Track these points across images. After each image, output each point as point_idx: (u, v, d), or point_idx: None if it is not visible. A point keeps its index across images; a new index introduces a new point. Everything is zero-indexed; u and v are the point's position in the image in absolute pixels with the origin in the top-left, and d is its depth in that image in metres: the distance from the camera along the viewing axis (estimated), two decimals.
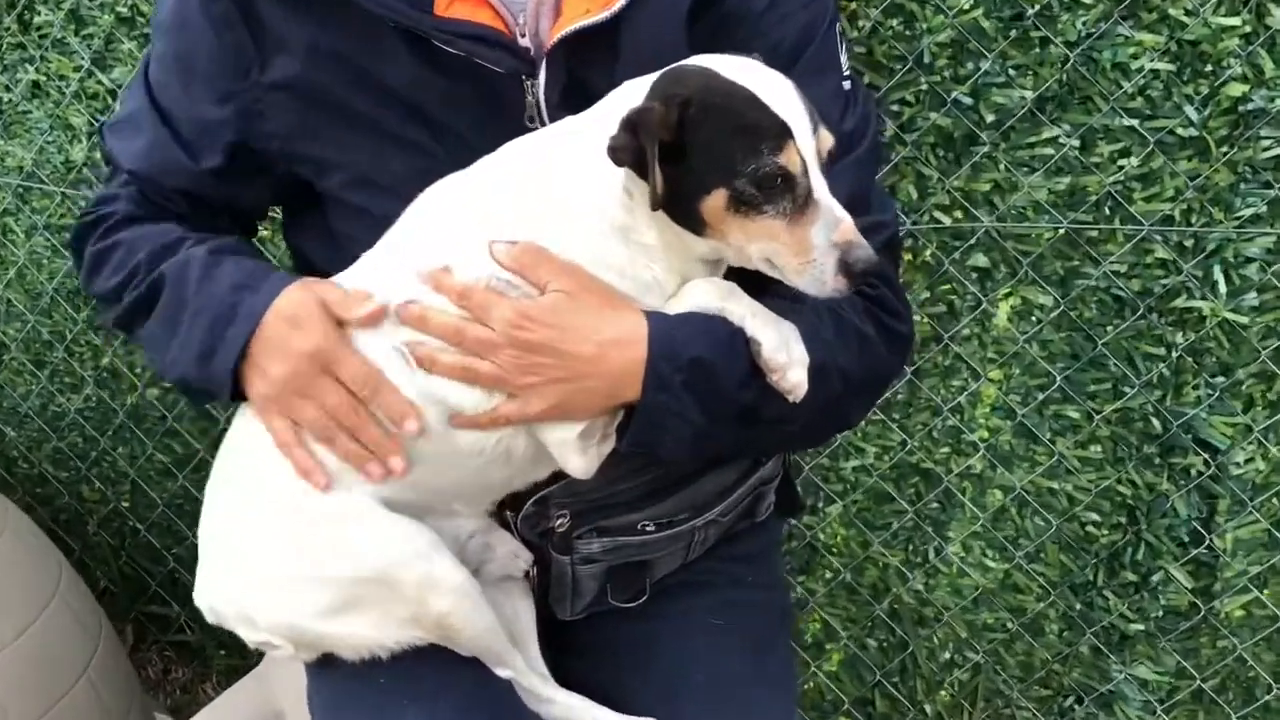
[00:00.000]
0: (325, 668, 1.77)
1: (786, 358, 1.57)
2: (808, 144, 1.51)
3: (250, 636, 1.73)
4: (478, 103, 1.64)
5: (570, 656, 1.97)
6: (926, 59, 2.52)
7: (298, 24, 1.65)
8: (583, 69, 1.64)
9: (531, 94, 1.66)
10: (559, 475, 1.75)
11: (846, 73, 1.80)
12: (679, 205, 1.54)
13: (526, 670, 1.81)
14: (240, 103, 1.71)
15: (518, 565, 1.85)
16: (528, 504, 1.80)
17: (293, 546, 1.67)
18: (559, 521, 1.81)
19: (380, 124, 1.68)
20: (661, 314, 1.61)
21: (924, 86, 2.54)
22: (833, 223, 1.50)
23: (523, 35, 1.65)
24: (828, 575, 3.07)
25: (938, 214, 2.62)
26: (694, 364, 1.57)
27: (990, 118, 2.49)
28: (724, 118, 1.51)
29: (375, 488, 1.65)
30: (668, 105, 1.50)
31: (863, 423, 2.85)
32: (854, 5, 2.54)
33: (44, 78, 3.32)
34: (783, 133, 1.50)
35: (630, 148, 1.51)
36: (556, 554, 1.84)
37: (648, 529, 1.86)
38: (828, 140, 1.56)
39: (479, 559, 1.83)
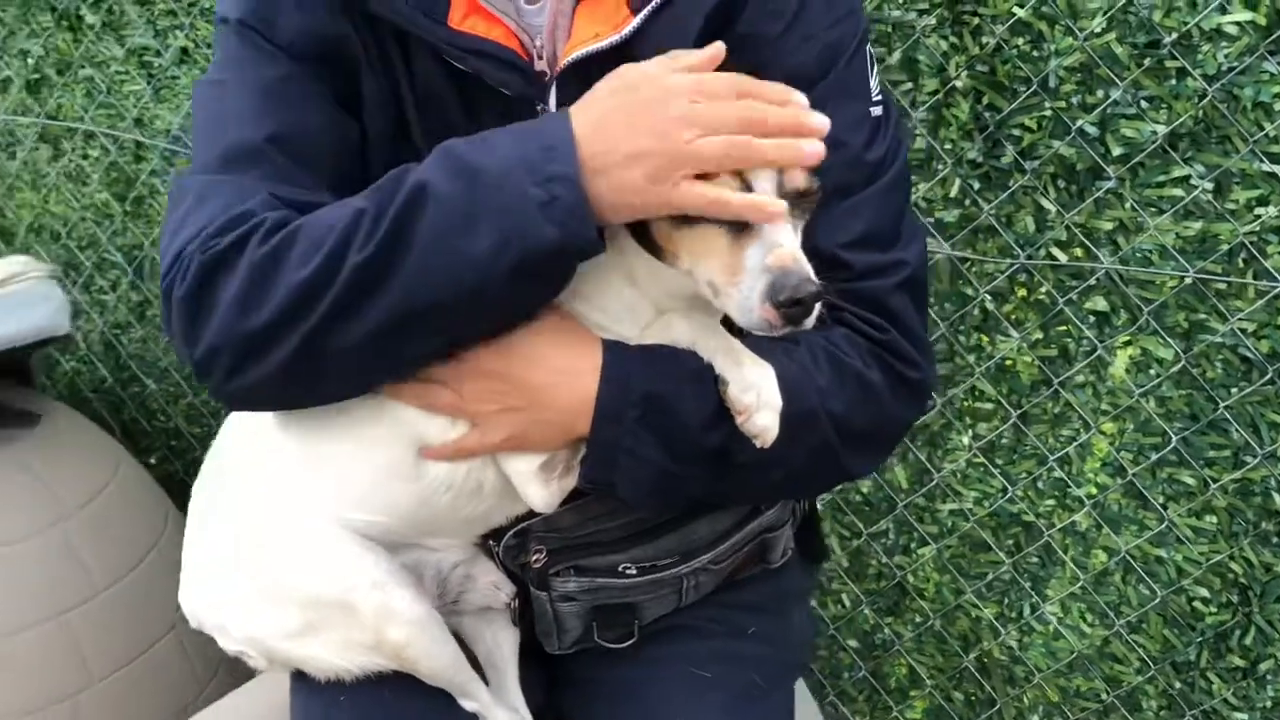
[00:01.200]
0: (302, 681, 1.77)
1: (755, 399, 1.50)
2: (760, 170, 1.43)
3: (226, 645, 1.74)
4: (496, 118, 1.62)
5: (565, 689, 1.96)
6: (1052, 83, 2.38)
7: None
8: None
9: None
10: (531, 516, 1.73)
11: (876, 98, 1.70)
12: (633, 223, 1.49)
13: (491, 704, 1.79)
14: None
15: (498, 597, 1.83)
16: (508, 535, 1.77)
17: (260, 564, 1.68)
18: (535, 557, 1.77)
19: (410, 128, 1.65)
20: (622, 344, 1.56)
21: (1048, 112, 2.40)
22: (769, 245, 1.40)
23: (540, 56, 1.62)
24: (917, 620, 2.96)
25: (1055, 250, 2.48)
26: (649, 399, 1.52)
27: (1117, 151, 2.34)
28: None
29: (348, 517, 1.65)
30: None
31: (963, 463, 2.74)
32: (977, 20, 2.42)
33: (192, 44, 3.48)
34: None
35: None
36: (535, 589, 1.81)
37: (629, 572, 1.80)
38: (796, 176, 1.45)
39: (460, 589, 1.82)
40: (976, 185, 2.53)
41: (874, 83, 1.71)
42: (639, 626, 1.86)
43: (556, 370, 1.53)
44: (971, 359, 2.66)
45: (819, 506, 2.19)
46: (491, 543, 1.80)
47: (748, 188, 1.40)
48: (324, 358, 1.46)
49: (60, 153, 3.85)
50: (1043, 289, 2.52)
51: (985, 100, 2.46)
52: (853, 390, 1.62)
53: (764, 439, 1.51)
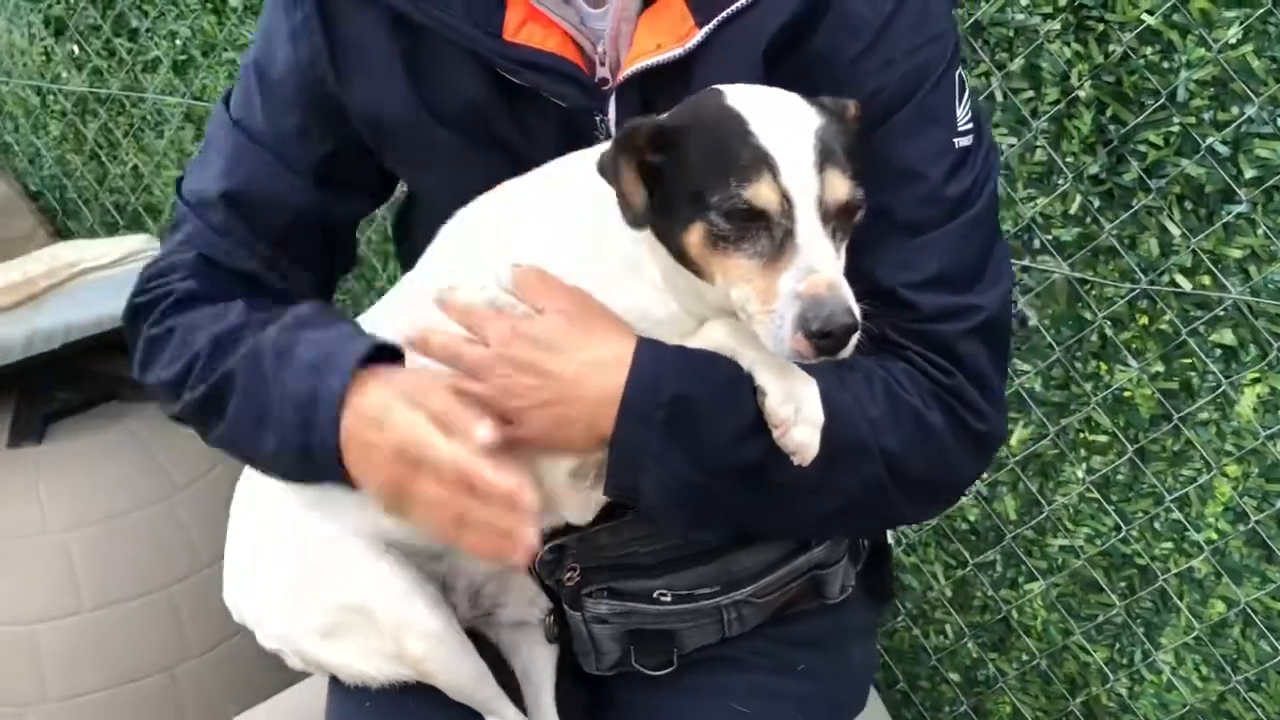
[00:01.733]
0: (336, 684, 1.79)
1: (794, 413, 1.42)
2: (799, 182, 1.36)
3: (263, 642, 1.77)
4: (552, 130, 1.58)
5: (604, 710, 1.91)
6: (1182, 97, 2.22)
7: (375, 40, 1.63)
8: (656, 104, 1.56)
9: (602, 128, 1.59)
10: (576, 525, 1.68)
11: (965, 126, 1.59)
12: (667, 238, 1.45)
13: None
14: (321, 107, 1.69)
15: (533, 612, 1.80)
16: (545, 549, 1.71)
17: (292, 567, 1.69)
18: (569, 575, 1.73)
19: (457, 149, 1.65)
20: (657, 342, 1.49)
21: (1176, 128, 2.24)
22: (804, 270, 1.34)
23: (602, 64, 1.59)
24: (1022, 658, 2.82)
25: (1179, 277, 2.32)
26: (678, 401, 1.45)
27: (1250, 173, 2.17)
28: (704, 144, 1.39)
29: (378, 526, 1.64)
30: (654, 124, 1.41)
31: (1075, 497, 2.60)
32: (1103, 27, 2.28)
33: None
34: (759, 164, 1.35)
35: (610, 160, 1.41)
36: (569, 608, 1.76)
37: (664, 598, 1.74)
38: (839, 187, 1.38)
39: (494, 601, 1.81)
40: (1097, 203, 2.38)
41: (962, 110, 1.60)
42: (678, 655, 1.82)
43: (587, 363, 1.47)
44: (1088, 387, 2.51)
45: (890, 541, 2.10)
46: None
47: (786, 199, 1.34)
48: (203, 427, 1.70)
49: (202, 133, 4.00)
50: (1165, 318, 2.36)
51: (1109, 112, 2.31)
52: (909, 429, 1.53)
53: (802, 456, 1.43)
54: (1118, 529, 2.56)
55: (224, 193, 1.72)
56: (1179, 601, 2.52)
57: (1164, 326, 2.38)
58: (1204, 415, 2.39)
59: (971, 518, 2.78)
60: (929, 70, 1.57)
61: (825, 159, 1.37)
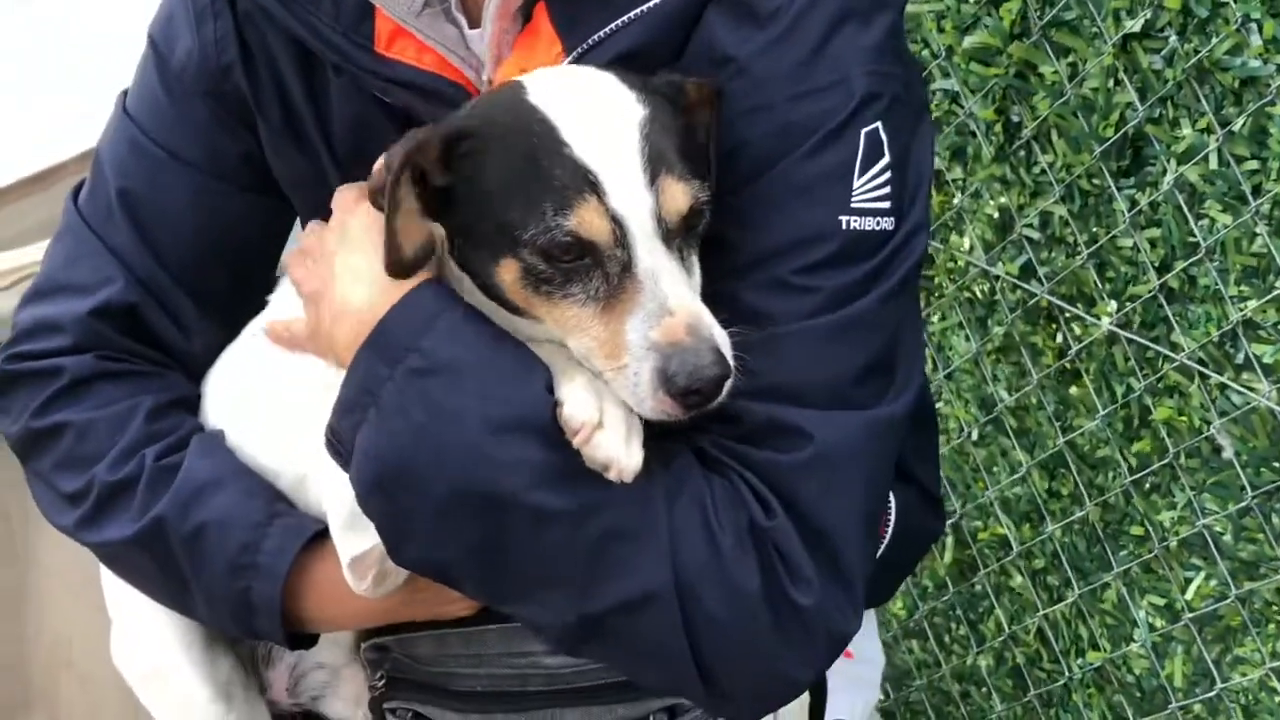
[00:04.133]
0: None
1: (596, 415, 1.18)
2: (630, 200, 1.15)
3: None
4: None
5: None
6: None
7: (264, 53, 1.50)
8: None
9: None
10: (397, 628, 1.53)
11: (867, 205, 1.25)
12: (475, 274, 1.26)
13: None
14: (219, 102, 1.55)
15: (360, 713, 1.67)
16: (366, 646, 1.59)
17: (120, 629, 1.68)
18: (378, 677, 1.57)
19: (327, 166, 1.52)
20: (451, 293, 1.28)
21: None
22: (655, 312, 1.14)
23: (489, 83, 1.39)
24: None
25: None
26: (447, 362, 1.22)
27: None
28: (504, 158, 1.19)
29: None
30: (433, 137, 1.21)
31: (1254, 682, 2.11)
32: None
33: None
34: (578, 184, 1.15)
35: (381, 190, 1.23)
36: (376, 718, 1.60)
37: None
38: (679, 196, 1.16)
39: (317, 691, 1.70)
40: None
41: (865, 181, 1.26)
42: None
43: (347, 268, 1.33)
44: None
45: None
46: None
47: (618, 224, 1.14)
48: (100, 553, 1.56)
49: None
50: None
51: None
52: (712, 571, 1.20)
53: (619, 470, 1.18)
54: None
55: (120, 190, 1.55)
56: None
57: None
58: None
59: (1138, 670, 2.35)
60: (815, 126, 1.24)
61: (657, 164, 1.17)
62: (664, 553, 1.19)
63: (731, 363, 1.15)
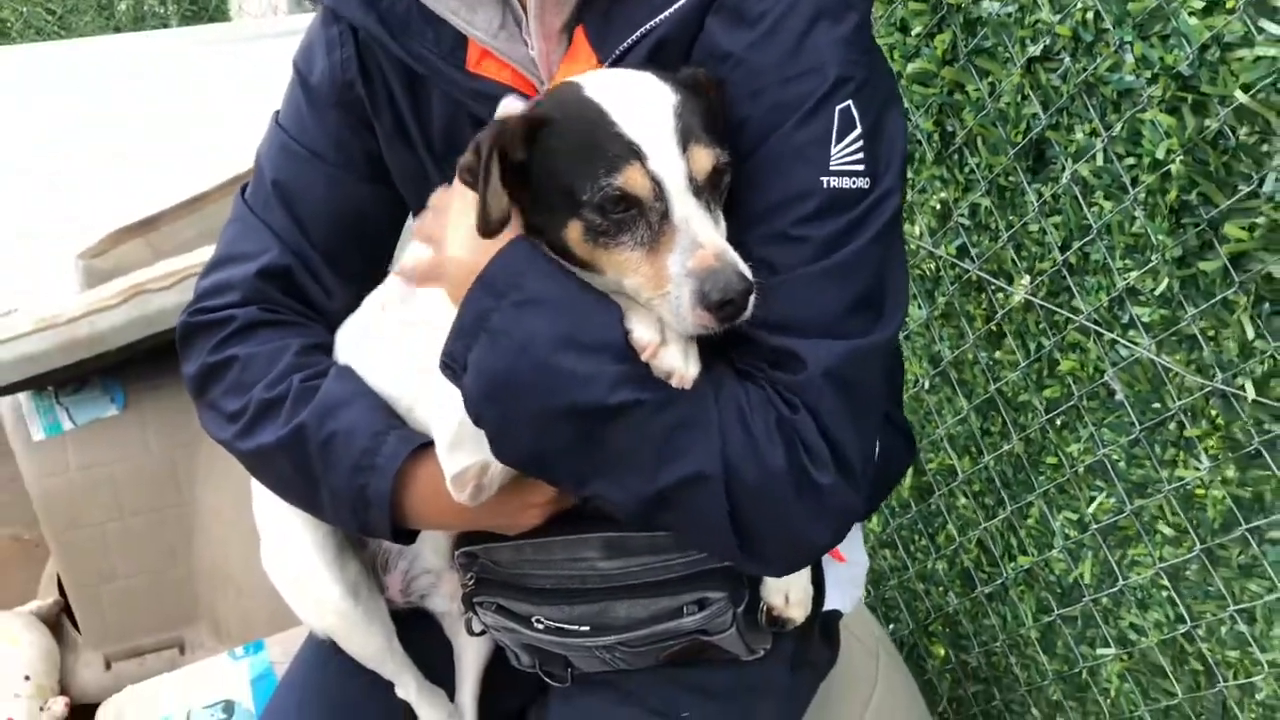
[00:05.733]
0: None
1: (659, 335, 1.24)
2: (666, 164, 1.21)
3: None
4: None
5: (554, 702, 1.75)
6: (1269, 189, 1.67)
7: (379, 73, 1.57)
8: None
9: None
10: (485, 537, 1.58)
11: (843, 167, 1.29)
12: (548, 236, 1.30)
13: (418, 697, 1.72)
14: (347, 111, 1.60)
15: (455, 607, 1.73)
16: (459, 553, 1.62)
17: (271, 534, 1.72)
18: (466, 581, 1.61)
19: (427, 162, 1.58)
20: (536, 243, 1.32)
21: (1261, 220, 1.70)
22: (689, 247, 1.20)
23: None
24: (1097, 715, 2.38)
25: (1249, 384, 1.79)
26: (542, 297, 1.27)
27: None
28: (568, 139, 1.24)
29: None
30: (515, 122, 1.26)
31: (1146, 580, 2.11)
32: (1192, 98, 1.75)
33: None
34: (625, 153, 1.21)
35: (470, 165, 1.28)
36: (467, 610, 1.65)
37: (538, 625, 1.58)
38: (704, 160, 1.22)
39: (424, 591, 1.77)
40: (1179, 286, 1.88)
41: (842, 148, 1.30)
42: (573, 673, 1.67)
43: (458, 226, 1.36)
44: (1164, 474, 2.01)
45: (839, 608, 1.78)
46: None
47: (656, 183, 1.20)
48: (247, 459, 1.59)
49: None
50: (1239, 422, 1.83)
51: (1198, 192, 1.80)
52: (750, 455, 1.26)
53: (680, 377, 1.24)
54: (1183, 621, 2.06)
55: (274, 181, 1.62)
56: (1239, 713, 2.01)
57: (1237, 431, 1.85)
58: (1276, 534, 1.85)
59: (1057, 570, 2.36)
60: (798, 104, 1.29)
61: (687, 136, 1.23)
62: (714, 440, 1.26)
63: (752, 280, 1.19)
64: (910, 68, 2.33)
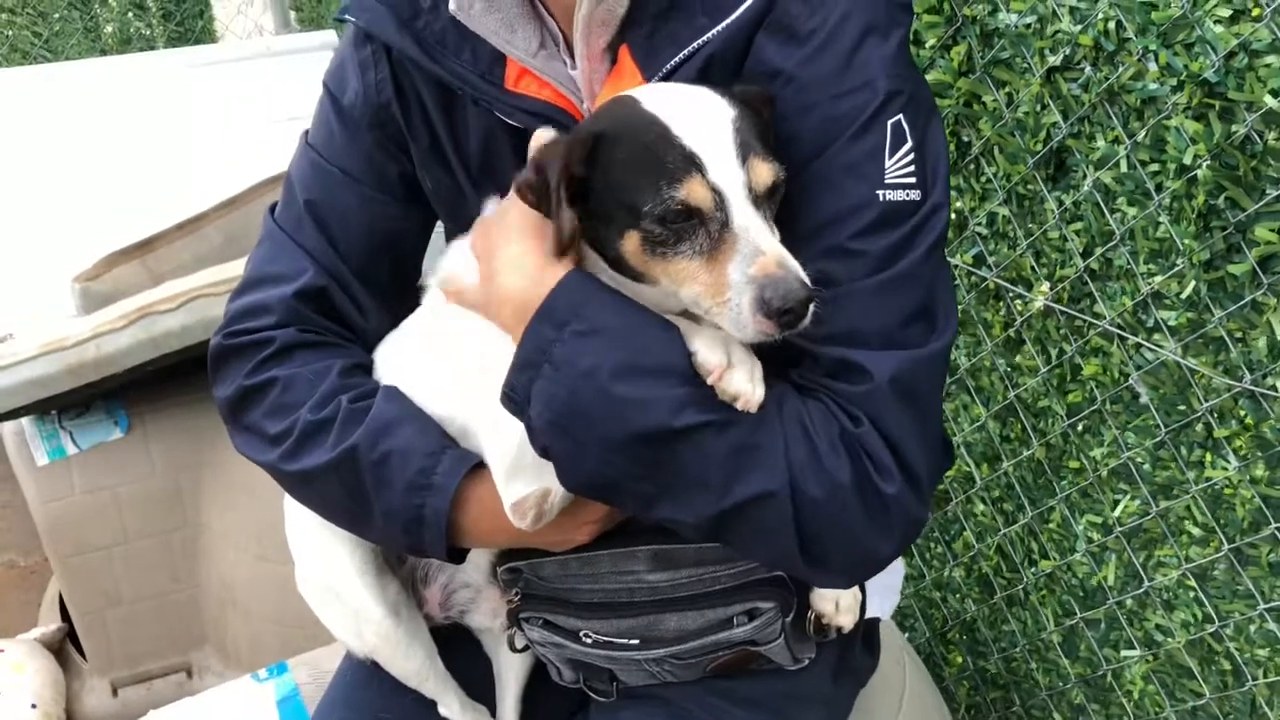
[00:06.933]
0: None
1: (725, 358, 1.22)
2: (727, 175, 1.20)
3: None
4: None
5: (596, 715, 1.73)
6: None
7: (413, 92, 1.55)
8: None
9: None
10: (530, 552, 1.55)
11: (897, 180, 1.29)
12: (604, 250, 1.29)
13: (460, 715, 1.69)
14: (381, 130, 1.58)
15: (497, 623, 1.69)
16: (503, 568, 1.59)
17: (303, 547, 1.69)
18: (512, 597, 1.59)
19: (462, 180, 1.57)
20: (592, 275, 1.31)
21: None
22: (750, 255, 1.19)
23: (589, 111, 1.45)
24: (1121, 718, 2.39)
25: None
26: (594, 324, 1.26)
27: None
28: (628, 152, 1.23)
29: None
30: (578, 139, 1.25)
31: (1173, 581, 2.13)
32: (1219, 104, 1.77)
33: None
34: (686, 165, 1.20)
35: (534, 185, 1.27)
36: (511, 626, 1.63)
37: (586, 639, 1.56)
38: (764, 173, 1.22)
39: (464, 607, 1.73)
40: (1206, 289, 1.90)
41: (894, 162, 1.31)
42: (619, 687, 1.66)
43: (519, 268, 1.33)
44: (1191, 475, 2.02)
45: (880, 615, 1.79)
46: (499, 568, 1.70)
47: (717, 194, 1.20)
48: (289, 484, 1.57)
49: None
50: (1269, 422, 1.85)
51: (1225, 196, 1.82)
52: (814, 469, 1.25)
53: (746, 400, 1.23)
54: (1211, 621, 2.08)
55: (308, 201, 1.60)
56: (1269, 711, 2.03)
57: (1267, 430, 1.87)
58: None
59: (1080, 574, 2.37)
60: (851, 118, 1.29)
61: (746, 148, 1.22)
62: (780, 458, 1.25)
63: (812, 288, 1.18)
64: (926, 79, 2.34)
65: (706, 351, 1.24)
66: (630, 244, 1.25)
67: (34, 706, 2.81)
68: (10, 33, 4.70)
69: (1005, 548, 2.54)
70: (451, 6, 1.46)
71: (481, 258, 1.43)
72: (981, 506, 2.57)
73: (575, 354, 1.25)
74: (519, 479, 1.39)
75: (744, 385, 1.23)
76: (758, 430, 1.25)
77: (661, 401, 1.23)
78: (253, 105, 4.20)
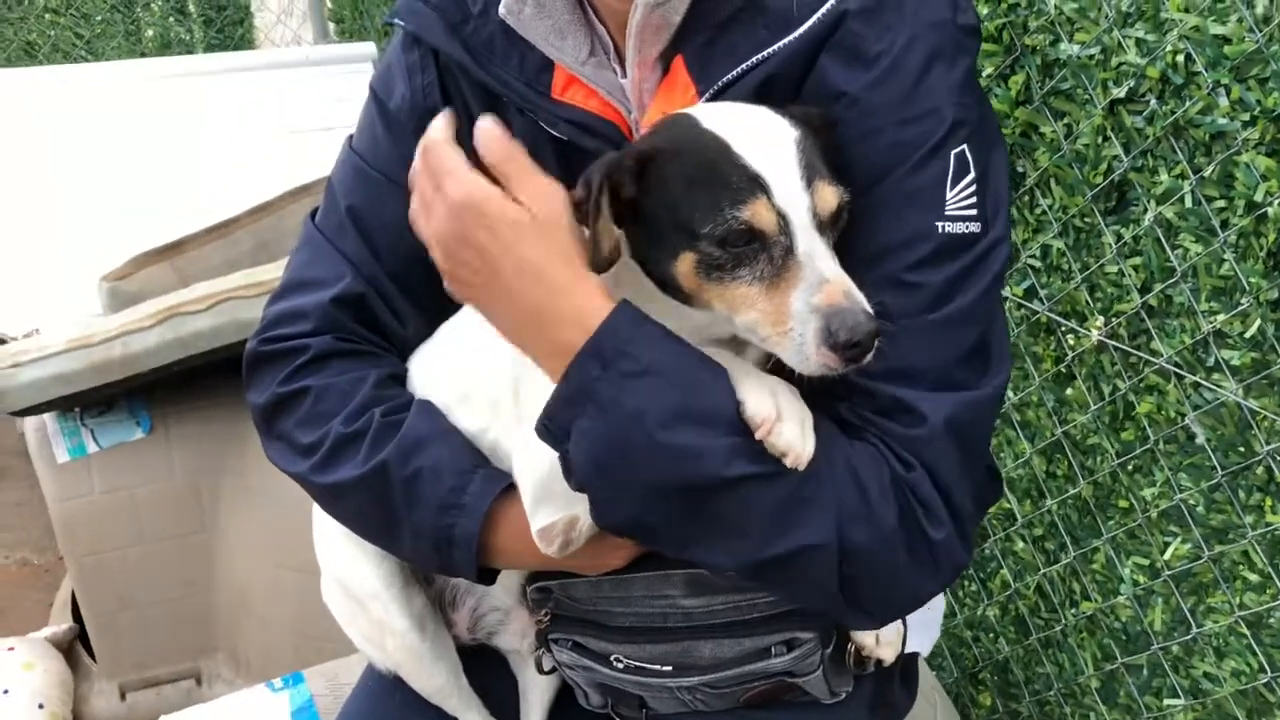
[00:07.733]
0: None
1: (775, 411, 1.16)
2: (791, 198, 1.14)
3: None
4: None
5: None
6: None
7: (460, 98, 1.50)
8: None
9: None
10: (561, 572, 1.49)
11: (959, 212, 1.24)
12: (654, 270, 1.23)
13: None
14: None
15: (525, 644, 1.64)
16: (533, 588, 1.54)
17: (329, 556, 1.63)
18: (541, 618, 1.53)
19: None
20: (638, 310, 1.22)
21: None
22: (815, 284, 1.12)
23: (637, 122, 1.41)
24: None
25: None
26: (652, 368, 1.19)
27: None
28: (687, 171, 1.18)
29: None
30: (628, 157, 1.20)
31: (1224, 629, 2.06)
32: None
33: None
34: (750, 186, 1.14)
35: (584, 203, 1.21)
36: (541, 648, 1.57)
37: (617, 664, 1.50)
38: (830, 197, 1.16)
39: (492, 629, 1.67)
40: (1273, 329, 1.85)
41: (956, 194, 1.25)
42: (647, 714, 1.61)
43: (550, 294, 1.24)
44: (1248, 520, 1.97)
45: (915, 651, 1.73)
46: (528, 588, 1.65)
47: (782, 217, 1.14)
48: (319, 494, 1.52)
49: None
50: None
51: None
52: (863, 515, 1.21)
53: (795, 457, 1.16)
54: (1264, 671, 2.02)
55: (349, 207, 1.55)
56: None
57: None
58: None
59: (1123, 617, 2.30)
60: (916, 146, 1.24)
61: (811, 171, 1.17)
62: (830, 511, 1.19)
63: (877, 321, 1.12)
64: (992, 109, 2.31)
65: (755, 401, 1.18)
66: (684, 266, 1.19)
67: (41, 706, 2.75)
68: (53, 32, 4.70)
69: (1045, 587, 2.48)
70: (501, 10, 1.42)
71: (459, 216, 1.29)
72: (1021, 544, 2.51)
73: (623, 394, 1.19)
74: (548, 504, 1.34)
75: (794, 441, 1.17)
76: (806, 484, 1.19)
77: (712, 450, 1.18)
78: (290, 113, 4.20)
